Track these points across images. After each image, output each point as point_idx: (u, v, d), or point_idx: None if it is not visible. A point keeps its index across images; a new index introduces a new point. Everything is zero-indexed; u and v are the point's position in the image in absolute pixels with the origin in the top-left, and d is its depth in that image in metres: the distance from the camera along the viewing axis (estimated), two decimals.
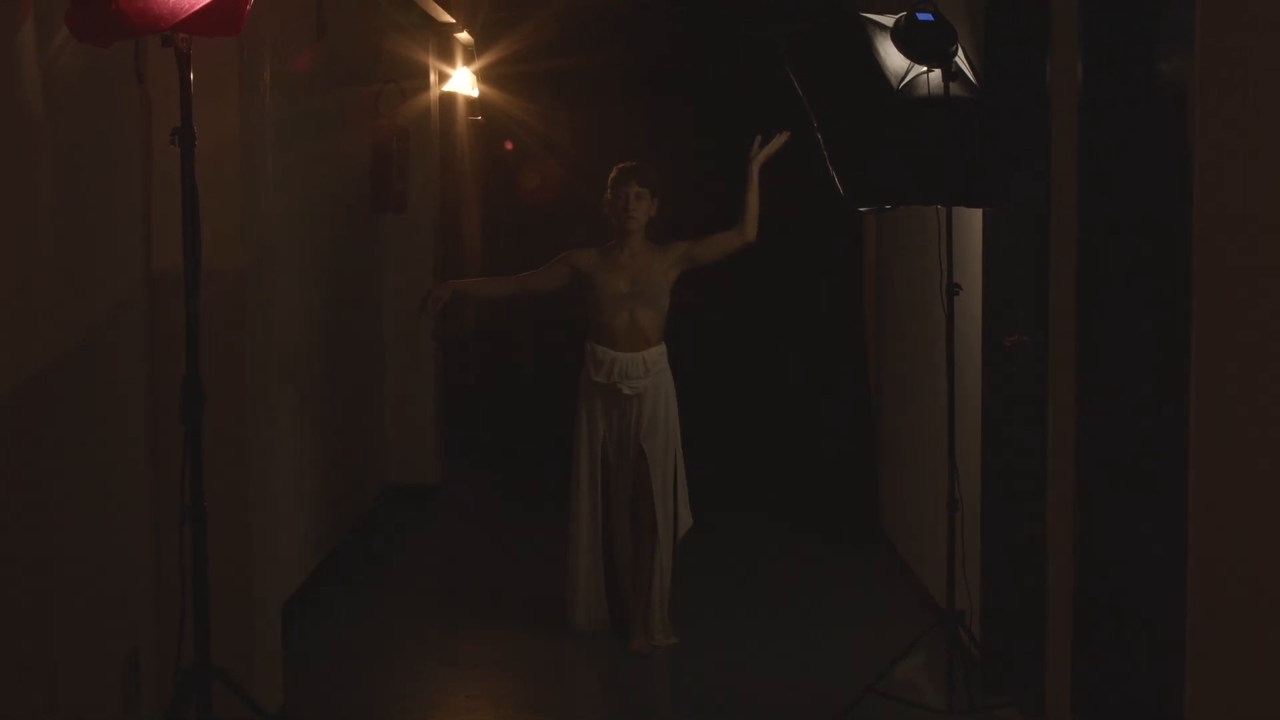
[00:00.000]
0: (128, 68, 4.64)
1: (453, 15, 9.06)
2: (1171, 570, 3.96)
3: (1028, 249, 5.53)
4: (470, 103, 10.70)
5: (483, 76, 10.57)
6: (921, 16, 5.33)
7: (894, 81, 5.34)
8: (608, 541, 6.59)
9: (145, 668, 4.83)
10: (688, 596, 6.74)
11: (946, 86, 5.28)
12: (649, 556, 6.42)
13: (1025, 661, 5.44)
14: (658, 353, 6.46)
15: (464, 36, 9.90)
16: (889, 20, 5.39)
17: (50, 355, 4.13)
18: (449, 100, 10.27)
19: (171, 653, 4.72)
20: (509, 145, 11.54)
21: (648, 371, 6.41)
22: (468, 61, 10.31)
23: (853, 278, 9.61)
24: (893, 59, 5.36)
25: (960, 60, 5.40)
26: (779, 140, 6.37)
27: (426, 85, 9.49)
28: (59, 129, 4.15)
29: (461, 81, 10.13)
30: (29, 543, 4.01)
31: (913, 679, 5.77)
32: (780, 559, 8.24)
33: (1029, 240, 5.49)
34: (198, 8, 3.80)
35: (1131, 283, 4.59)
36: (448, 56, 9.94)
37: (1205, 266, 3.62)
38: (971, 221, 5.93)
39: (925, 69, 5.32)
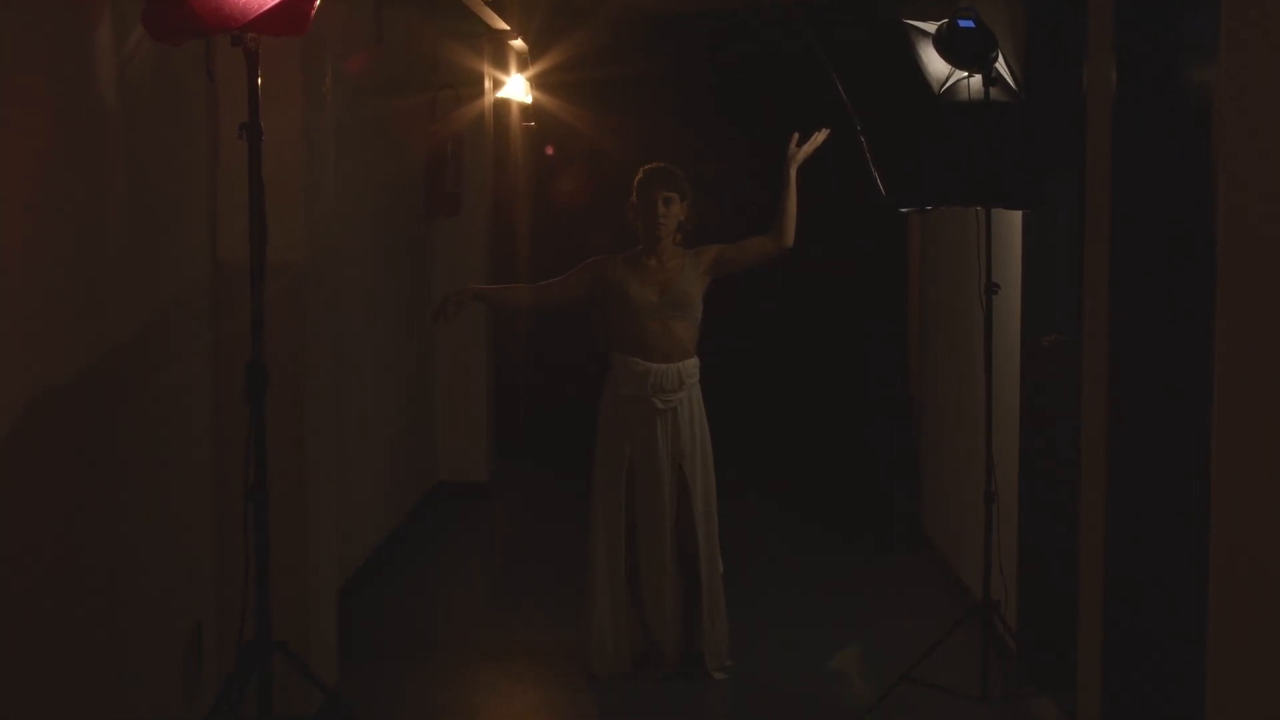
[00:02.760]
0: (196, 66, 4.84)
1: (507, 23, 9.26)
2: (1200, 564, 4.08)
3: (1065, 250, 5.66)
4: (524, 109, 10.90)
5: (536, 83, 10.76)
6: (963, 24, 5.49)
7: (935, 86, 5.51)
8: (630, 573, 6.14)
9: (207, 642, 5.02)
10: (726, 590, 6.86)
11: (986, 91, 5.43)
12: (693, 588, 6.09)
13: (1059, 652, 5.56)
14: (693, 365, 6.07)
15: (518, 44, 10.09)
16: (931, 27, 5.55)
17: (120, 340, 4.31)
18: (503, 106, 10.46)
19: (232, 628, 4.94)
20: (550, 150, 11.73)
21: (682, 384, 6.02)
22: (521, 68, 10.49)
23: (896, 277, 9.76)
24: (934, 64, 5.52)
25: (1000, 66, 5.54)
26: (819, 138, 5.96)
27: (481, 91, 9.70)
28: (132, 124, 4.35)
29: (515, 88, 10.31)
30: (101, 521, 4.19)
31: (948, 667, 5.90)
32: (819, 556, 8.37)
33: (1066, 242, 5.62)
34: (267, 8, 4.00)
35: (1163, 284, 4.71)
36: (502, 63, 10.14)
37: (1228, 268, 3.75)
38: (1011, 223, 6.08)
39: (966, 74, 5.48)
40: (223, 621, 5.09)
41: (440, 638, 6.72)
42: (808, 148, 5.97)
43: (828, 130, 5.96)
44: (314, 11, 4.14)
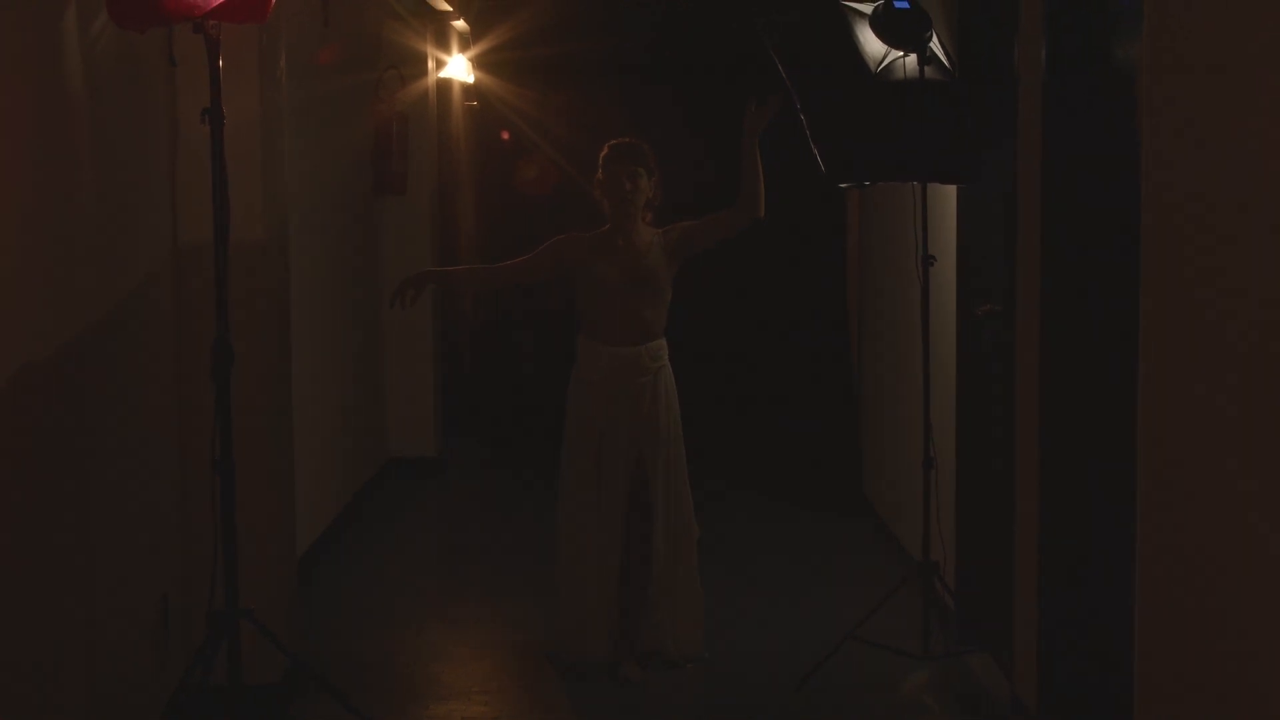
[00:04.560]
0: (157, 52, 4.96)
1: (449, 3, 9.39)
2: (1130, 524, 4.27)
3: (999, 224, 5.85)
4: (466, 88, 11.04)
5: (478, 63, 10.90)
6: (898, 4, 5.66)
7: (872, 66, 5.68)
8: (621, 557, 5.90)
9: (173, 613, 5.15)
10: None
11: (921, 70, 5.61)
12: (647, 574, 5.88)
13: (997, 610, 5.77)
14: (657, 347, 5.86)
15: (460, 24, 10.23)
16: (867, 8, 5.72)
17: (88, 319, 4.43)
18: (445, 86, 10.59)
19: (195, 600, 5.08)
20: (505, 135, 11.84)
21: (646, 369, 5.82)
22: (463, 48, 10.63)
23: (836, 250, 9.97)
24: (871, 44, 5.70)
25: (934, 45, 5.72)
26: (775, 103, 5.76)
27: (424, 71, 9.83)
28: (96, 109, 4.46)
29: (457, 68, 10.45)
30: (72, 496, 4.31)
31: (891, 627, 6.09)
32: (761, 524, 8.59)
33: (1000, 215, 5.81)
34: None
35: (1093, 254, 4.90)
36: (444, 44, 10.27)
37: (1151, 237, 3.93)
38: (947, 197, 6.27)
39: (901, 54, 5.66)
40: (186, 593, 5.22)
41: (396, 608, 6.87)
42: (764, 115, 5.77)
43: (780, 95, 5.77)
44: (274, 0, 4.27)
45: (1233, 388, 3.37)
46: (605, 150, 5.93)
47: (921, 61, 5.60)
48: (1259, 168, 3.19)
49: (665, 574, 5.91)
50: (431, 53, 9.98)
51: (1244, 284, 3.30)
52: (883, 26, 5.64)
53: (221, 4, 4.15)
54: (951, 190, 6.21)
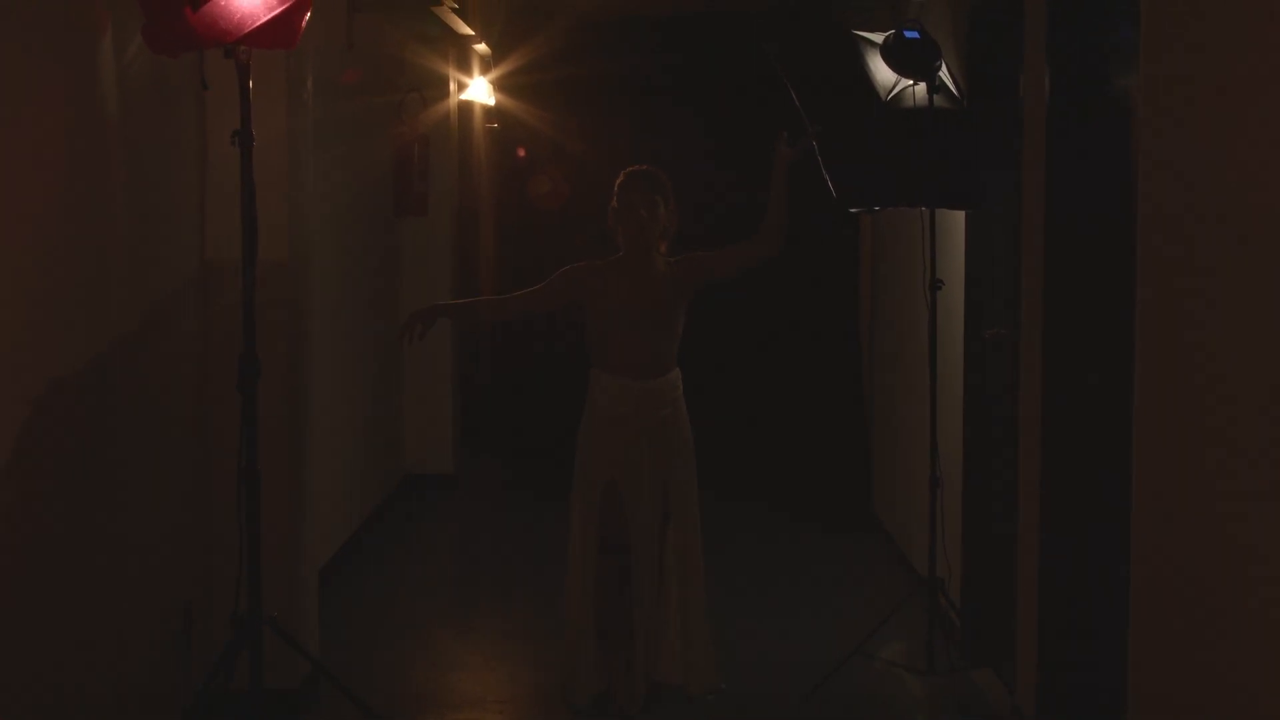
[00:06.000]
0: (189, 76, 5.11)
1: (471, 27, 9.54)
2: (1126, 542, 4.38)
3: (1005, 249, 5.98)
4: (487, 111, 11.20)
5: (499, 85, 11.06)
6: (909, 35, 5.81)
7: (882, 93, 5.83)
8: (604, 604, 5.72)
9: (195, 618, 5.29)
10: None
11: (930, 99, 5.75)
12: (670, 602, 5.74)
13: (1000, 627, 5.88)
14: (675, 378, 5.68)
15: (481, 48, 10.38)
16: (879, 37, 5.87)
17: (119, 333, 4.58)
18: (467, 108, 10.75)
19: (216, 606, 5.22)
20: (521, 152, 12.00)
21: (665, 401, 5.64)
22: (484, 71, 10.78)
23: (847, 274, 10.10)
24: (882, 73, 5.84)
25: (943, 74, 5.87)
26: (810, 137, 5.65)
27: (446, 94, 9.98)
28: (129, 131, 4.62)
29: (479, 90, 10.61)
30: (99, 502, 4.45)
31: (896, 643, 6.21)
32: (774, 542, 8.68)
33: (1006, 241, 5.94)
34: (260, 24, 4.28)
35: (1095, 278, 5.03)
36: (466, 66, 10.42)
37: (1146, 262, 4.06)
38: (955, 222, 6.40)
39: (911, 82, 5.80)
40: (207, 600, 5.36)
41: (412, 619, 7.01)
42: (799, 147, 5.66)
43: (820, 126, 5.68)
44: (303, 26, 4.42)
45: (1225, 412, 3.49)
46: (621, 178, 5.71)
47: (930, 90, 5.74)
48: (1252, 194, 3.32)
49: (679, 599, 5.76)
50: (453, 75, 10.14)
51: (1237, 308, 3.42)
52: (893, 55, 5.78)
53: (252, 31, 4.30)
54: (960, 216, 6.34)
